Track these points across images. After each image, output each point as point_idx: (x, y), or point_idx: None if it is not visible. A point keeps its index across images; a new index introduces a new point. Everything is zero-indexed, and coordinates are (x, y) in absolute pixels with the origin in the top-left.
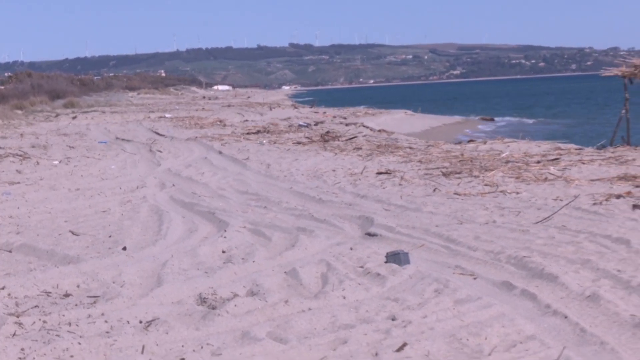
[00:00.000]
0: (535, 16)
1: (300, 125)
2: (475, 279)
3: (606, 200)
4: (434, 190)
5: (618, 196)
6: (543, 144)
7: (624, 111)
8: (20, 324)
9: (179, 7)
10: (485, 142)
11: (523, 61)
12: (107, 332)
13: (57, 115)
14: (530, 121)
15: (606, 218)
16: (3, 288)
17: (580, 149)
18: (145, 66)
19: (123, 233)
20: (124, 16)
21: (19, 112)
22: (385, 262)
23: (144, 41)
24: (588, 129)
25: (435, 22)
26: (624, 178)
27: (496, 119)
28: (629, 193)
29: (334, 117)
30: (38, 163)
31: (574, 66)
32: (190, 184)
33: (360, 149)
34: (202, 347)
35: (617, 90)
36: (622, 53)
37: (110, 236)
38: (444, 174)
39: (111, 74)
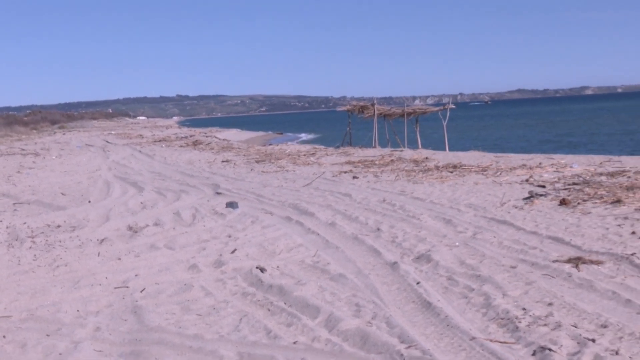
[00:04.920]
0: (306, 74)
1: (182, 137)
2: (272, 215)
3: (339, 174)
4: (251, 170)
5: (345, 172)
6: (307, 145)
7: (348, 128)
8: (34, 241)
9: (122, 70)
10: (277, 145)
11: (297, 103)
12: (79, 245)
13: (55, 132)
14: (301, 135)
15: (339, 183)
16: (24, 223)
17: (326, 148)
18: (102, 106)
19: (89, 194)
20: (96, 74)
21: (35, 131)
22: (226, 207)
23: (100, 92)
24: (330, 138)
25: (251, 81)
26: (347, 162)
27: (284, 133)
28: (350, 170)
29: (200, 133)
30: (44, 157)
31: (323, 106)
32: (124, 168)
33: (213, 149)
34: (129, 252)
35: (344, 118)
36: (348, 98)
37: (82, 195)
38: (256, 161)
39: (83, 111)
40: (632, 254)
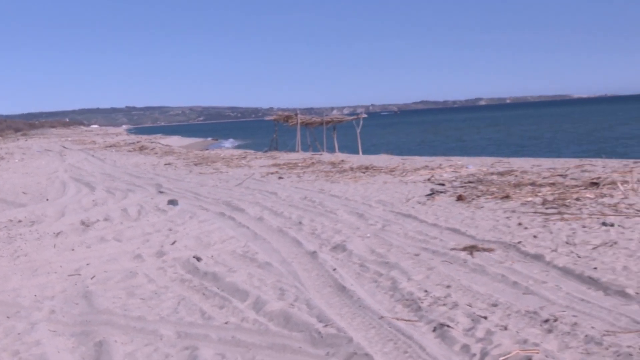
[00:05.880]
0: (239, 87)
1: (130, 143)
2: (208, 211)
3: (266, 175)
4: (190, 171)
5: (272, 173)
6: (239, 150)
7: (275, 135)
8: None
9: (78, 83)
10: (213, 150)
11: (231, 113)
12: (38, 238)
13: (18, 139)
14: (234, 141)
15: (266, 183)
16: None
17: (255, 152)
18: (60, 116)
19: (47, 193)
20: (55, 87)
21: (0, 138)
22: (167, 204)
23: (58, 103)
24: (259, 144)
25: (190, 93)
26: (274, 165)
27: (219, 139)
28: (276, 172)
29: (145, 139)
30: (8, 161)
31: (253, 115)
32: (79, 170)
33: (157, 153)
34: (82, 244)
35: (272, 126)
36: (275, 109)
37: (41, 194)
38: (194, 164)
39: (43, 120)
40: (519, 242)
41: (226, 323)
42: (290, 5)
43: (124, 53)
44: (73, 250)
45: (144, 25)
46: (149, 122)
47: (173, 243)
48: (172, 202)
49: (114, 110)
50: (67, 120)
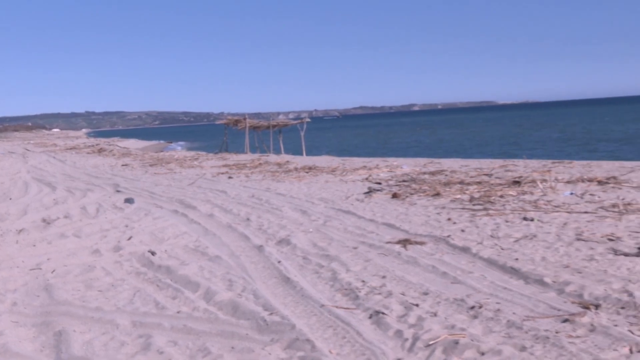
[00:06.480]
0: (192, 93)
1: (89, 146)
2: (162, 208)
3: (217, 175)
4: (145, 172)
5: (222, 173)
6: (191, 152)
7: (225, 138)
8: None
9: (40, 89)
10: (168, 152)
11: (184, 118)
12: (1, 235)
13: None
14: (190, 143)
15: (217, 182)
16: None
17: (207, 154)
18: (23, 121)
19: (10, 192)
20: (18, 93)
21: None
22: (124, 203)
23: (21, 108)
24: (210, 146)
25: (146, 99)
26: (224, 166)
27: (173, 142)
28: (226, 172)
29: (104, 142)
30: None
31: (205, 120)
32: (40, 171)
33: (115, 155)
34: (43, 240)
35: (222, 129)
36: (225, 114)
37: (4, 193)
38: (150, 165)
39: (7, 124)
40: (448, 236)
41: (178, 312)
42: (239, 15)
43: (84, 60)
44: (34, 246)
45: (102, 32)
46: (107, 126)
47: (129, 238)
48: (129, 201)
49: (74, 115)
50: (29, 124)
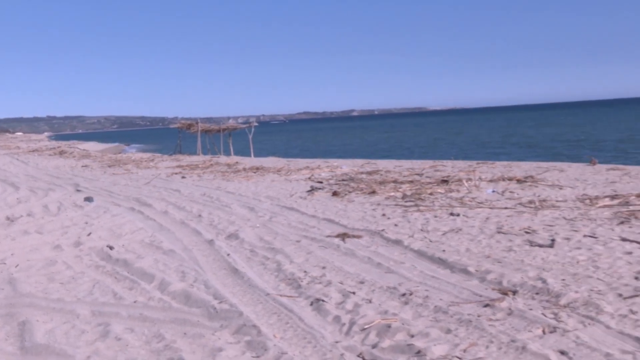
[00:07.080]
0: (148, 99)
1: (51, 148)
2: (120, 206)
3: (171, 175)
4: (104, 172)
5: (176, 173)
6: (147, 154)
7: (179, 141)
8: None
9: (2, 95)
10: (125, 153)
11: (141, 122)
12: None
13: None
14: (146, 146)
15: (171, 182)
16: None
17: (162, 155)
18: None
19: None
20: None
21: None
22: (84, 201)
23: None
24: (165, 148)
25: (105, 104)
26: (178, 166)
27: (130, 144)
28: (180, 172)
29: (65, 144)
30: None
31: (160, 124)
32: (4, 172)
33: (75, 157)
34: (7, 237)
35: (176, 133)
36: (179, 118)
37: None
38: (108, 166)
39: None
40: (382, 230)
41: (135, 302)
42: (192, 21)
43: (45, 65)
44: None
45: (62, 38)
46: (68, 130)
47: (89, 234)
48: (88, 199)
49: (36, 119)
50: None
